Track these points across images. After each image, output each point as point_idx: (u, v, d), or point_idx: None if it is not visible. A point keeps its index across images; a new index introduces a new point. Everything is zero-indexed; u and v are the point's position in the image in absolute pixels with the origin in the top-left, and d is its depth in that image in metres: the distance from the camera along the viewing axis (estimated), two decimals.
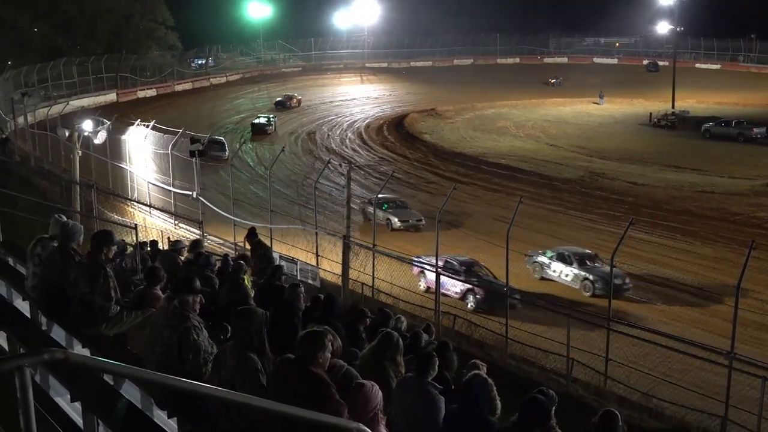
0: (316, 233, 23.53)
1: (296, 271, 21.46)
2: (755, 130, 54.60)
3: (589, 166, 44.50)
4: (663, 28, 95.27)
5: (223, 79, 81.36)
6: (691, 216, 33.16)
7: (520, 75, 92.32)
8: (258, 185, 37.85)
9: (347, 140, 53.35)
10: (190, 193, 27.19)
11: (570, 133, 57.81)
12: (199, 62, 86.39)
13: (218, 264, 12.33)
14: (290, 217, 28.06)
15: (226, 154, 42.76)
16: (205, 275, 9.86)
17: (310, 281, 21.11)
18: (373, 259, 20.85)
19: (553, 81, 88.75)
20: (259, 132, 53.75)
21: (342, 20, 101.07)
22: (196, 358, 6.42)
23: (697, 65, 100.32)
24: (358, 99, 74.33)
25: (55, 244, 8.07)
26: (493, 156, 47.24)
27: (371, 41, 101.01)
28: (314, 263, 22.78)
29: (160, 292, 8.03)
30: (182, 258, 12.60)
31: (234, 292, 10.45)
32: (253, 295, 10.88)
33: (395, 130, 57.20)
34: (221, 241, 24.87)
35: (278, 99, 68.20)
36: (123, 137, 32.53)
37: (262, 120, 55.92)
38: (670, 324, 19.87)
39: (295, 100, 68.41)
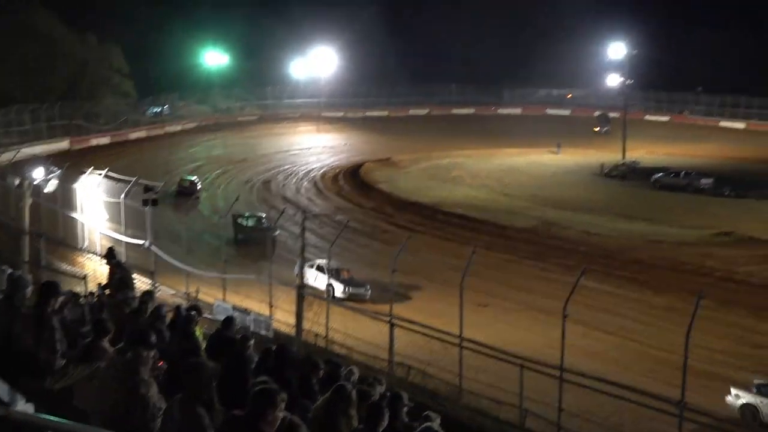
0: (270, 283, 23.40)
1: (249, 322, 21.27)
2: (703, 180, 56.04)
3: (542, 215, 45.06)
4: (613, 80, 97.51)
5: (179, 127, 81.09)
6: (643, 265, 33.68)
7: (474, 125, 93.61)
8: (212, 234, 37.55)
9: (303, 189, 53.37)
10: (143, 242, 26.90)
11: (524, 182, 58.56)
12: (155, 110, 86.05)
13: (169, 315, 12.19)
14: (245, 266, 27.89)
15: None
16: (155, 327, 9.74)
17: (263, 332, 20.93)
18: (327, 310, 20.78)
19: (596, 129, 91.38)
20: (185, 195, 47.76)
21: (299, 70, 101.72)
22: (144, 412, 6.33)
23: (647, 117, 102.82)
24: (314, 148, 74.47)
25: (1, 296, 7.94)
26: (448, 205, 47.58)
27: (328, 90, 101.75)
28: (268, 314, 22.62)
29: (107, 345, 7.91)
30: (131, 309, 12.42)
31: (184, 343, 10.34)
32: (204, 346, 10.78)
33: (351, 179, 57.36)
34: (173, 292, 24.58)
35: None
36: (75, 185, 32.15)
37: (186, 183, 49.33)
38: (622, 373, 20.04)
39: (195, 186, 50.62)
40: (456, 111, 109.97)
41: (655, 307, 26.98)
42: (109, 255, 14.84)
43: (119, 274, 14.03)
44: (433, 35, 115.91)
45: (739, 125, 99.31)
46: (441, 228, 40.84)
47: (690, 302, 15.22)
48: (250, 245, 34.11)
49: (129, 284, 14.09)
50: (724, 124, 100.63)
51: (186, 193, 48.48)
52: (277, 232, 31.13)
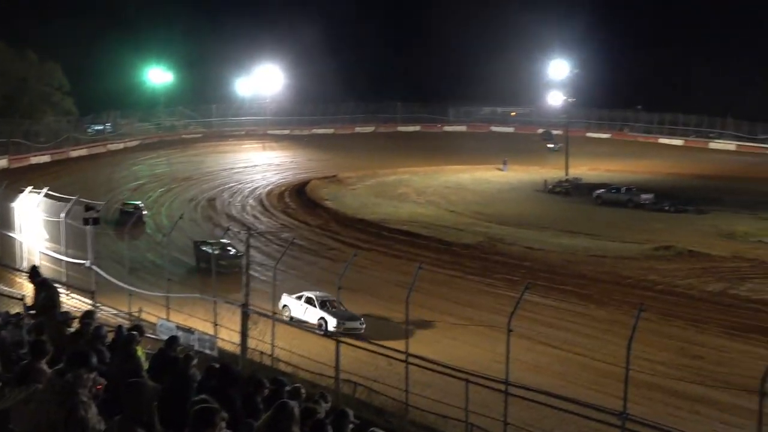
0: (215, 302, 23.17)
1: (193, 341, 21.01)
2: (643, 196, 57.22)
3: (487, 231, 45.48)
4: (556, 98, 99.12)
5: (122, 146, 79.91)
6: (586, 280, 34.18)
7: (420, 142, 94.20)
8: (155, 253, 37.05)
9: (248, 207, 53.01)
10: (84, 262, 26.41)
11: (469, 199, 59.07)
12: (97, 128, 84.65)
13: (110, 335, 11.98)
14: (188, 285, 27.57)
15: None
16: (95, 348, 9.57)
17: (207, 351, 20.67)
18: (273, 328, 20.65)
19: (550, 145, 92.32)
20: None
21: (244, 87, 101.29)
22: None
23: (588, 134, 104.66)
24: (259, 166, 74.06)
25: None
26: (394, 222, 47.73)
27: (273, 108, 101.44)
28: (212, 333, 22.37)
29: (45, 367, 7.72)
30: (71, 330, 12.19)
31: (126, 364, 10.16)
32: (147, 367, 10.62)
33: (297, 197, 57.18)
34: (115, 312, 24.16)
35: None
36: (13, 205, 31.43)
37: (130, 208, 46.41)
38: (566, 386, 20.29)
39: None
40: (402, 128, 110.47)
41: (598, 321, 27.39)
42: (33, 274, 14.03)
43: (45, 293, 13.26)
44: (380, 52, 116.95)
45: (677, 142, 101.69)
46: (387, 245, 40.94)
47: (632, 315, 15.50)
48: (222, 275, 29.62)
49: (56, 303, 13.34)
50: (663, 140, 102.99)
51: (129, 216, 46.37)
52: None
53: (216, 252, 29.88)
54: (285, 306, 28.26)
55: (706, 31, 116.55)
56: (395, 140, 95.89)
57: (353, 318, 27.14)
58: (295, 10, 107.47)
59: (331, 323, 26.77)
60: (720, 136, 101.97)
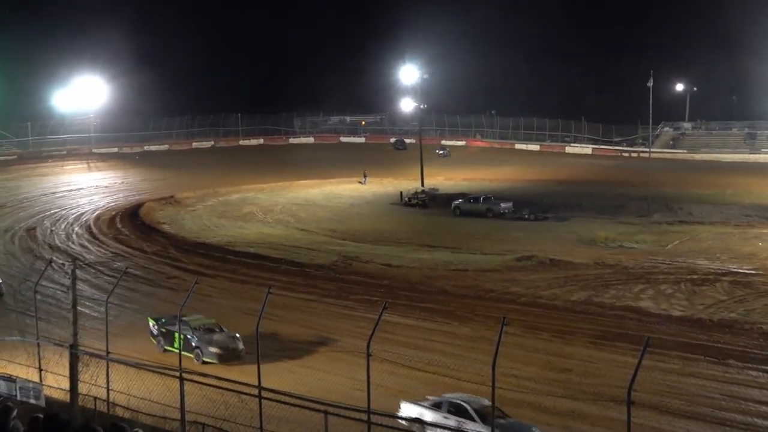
0: (38, 344, 22.06)
1: (15, 390, 19.87)
2: (502, 205, 59.10)
3: (342, 249, 45.67)
4: (407, 105, 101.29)
5: None
6: (448, 296, 34.85)
7: (264, 156, 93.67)
8: None
9: (74, 235, 51.00)
10: None
11: (320, 216, 59.23)
12: None
13: None
14: (4, 326, 26.16)
15: None
16: None
17: (32, 401, 19.57)
18: (107, 369, 19.87)
19: (441, 152, 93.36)
20: None
21: (63, 102, 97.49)
22: None
23: (443, 142, 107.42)
24: (85, 188, 71.80)
25: None
26: (240, 244, 47.19)
27: (98, 124, 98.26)
28: (37, 379, 21.26)
29: None
30: None
31: None
32: None
33: (130, 222, 55.61)
34: None
35: None
36: None
37: None
38: None
39: None
40: (244, 142, 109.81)
41: (462, 338, 27.93)
42: None
43: None
44: (214, 61, 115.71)
45: (534, 147, 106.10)
46: (234, 270, 40.36)
47: (496, 330, 15.87)
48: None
49: None
50: (520, 146, 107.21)
51: None
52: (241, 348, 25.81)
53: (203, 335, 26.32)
54: (415, 421, 19.71)
55: (557, 33, 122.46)
56: (237, 155, 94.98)
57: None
58: (114, 13, 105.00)
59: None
60: (576, 140, 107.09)
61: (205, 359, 25.22)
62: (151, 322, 27.62)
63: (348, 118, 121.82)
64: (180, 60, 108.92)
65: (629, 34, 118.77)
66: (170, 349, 25.95)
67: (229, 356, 25.31)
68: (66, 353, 19.99)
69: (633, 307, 32.21)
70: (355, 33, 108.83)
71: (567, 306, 32.62)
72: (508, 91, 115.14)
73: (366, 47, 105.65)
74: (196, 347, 25.62)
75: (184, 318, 23.79)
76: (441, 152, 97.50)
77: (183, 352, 22.88)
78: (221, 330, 26.74)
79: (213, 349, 25.40)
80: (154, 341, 27.29)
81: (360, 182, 76.90)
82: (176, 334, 24.73)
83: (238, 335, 26.08)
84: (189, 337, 25.70)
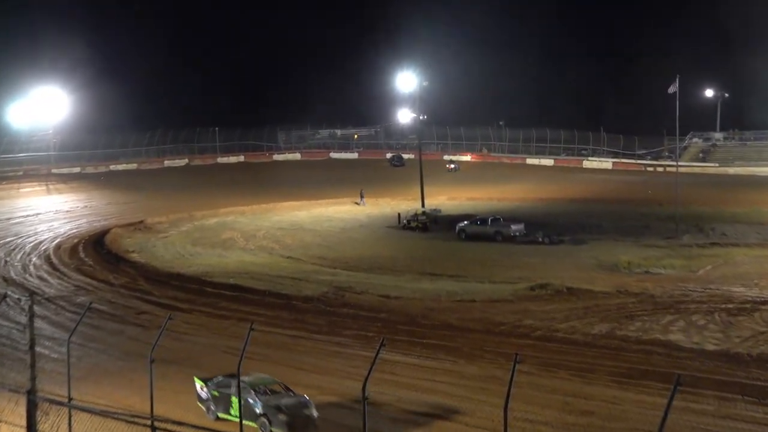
0: None
1: None
2: (513, 227, 59.13)
3: (333, 279, 45.58)
4: (405, 116, 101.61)
5: None
6: (453, 330, 34.72)
7: (245, 175, 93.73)
8: None
9: (32, 266, 50.91)
10: None
11: (309, 241, 59.23)
12: None
13: None
14: None
15: None
16: None
17: None
18: (69, 418, 19.75)
19: (452, 167, 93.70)
20: None
21: (19, 117, 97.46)
22: None
23: (446, 156, 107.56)
24: (44, 213, 71.77)
25: None
26: (219, 275, 47.07)
27: (58, 141, 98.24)
28: None
29: None
30: None
31: None
32: None
33: (94, 251, 55.56)
34: None
35: None
36: None
37: None
38: None
39: None
40: (222, 159, 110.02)
41: (470, 378, 27.78)
42: None
43: None
44: (191, 71, 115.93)
45: (548, 162, 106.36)
46: (212, 304, 40.25)
47: (508, 369, 15.79)
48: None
49: None
50: (532, 161, 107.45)
51: None
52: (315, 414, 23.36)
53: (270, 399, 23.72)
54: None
55: (570, 33, 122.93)
56: (215, 174, 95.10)
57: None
58: (75, 17, 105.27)
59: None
60: (594, 153, 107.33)
61: (273, 429, 22.64)
62: (199, 384, 25.02)
63: (339, 132, 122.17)
64: (150, 68, 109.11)
65: (652, 34, 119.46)
66: (225, 417, 23.77)
67: (300, 425, 22.78)
68: (23, 400, 19.91)
69: (661, 340, 32.10)
70: (347, 36, 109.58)
71: (587, 340, 32.51)
72: (517, 99, 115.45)
73: (359, 52, 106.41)
74: (262, 415, 22.84)
75: (243, 379, 21.86)
76: (452, 166, 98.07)
77: (244, 421, 21.48)
78: (289, 392, 24.22)
79: (282, 417, 22.72)
80: (203, 407, 24.71)
81: (356, 203, 76.98)
82: (234, 399, 22.72)
83: (308, 399, 23.79)
84: (251, 402, 23.11)
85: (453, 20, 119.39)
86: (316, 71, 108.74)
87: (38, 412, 19.60)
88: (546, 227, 60.02)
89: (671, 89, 61.48)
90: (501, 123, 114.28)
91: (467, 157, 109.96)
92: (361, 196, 77.67)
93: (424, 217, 66.66)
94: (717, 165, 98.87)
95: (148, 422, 19.72)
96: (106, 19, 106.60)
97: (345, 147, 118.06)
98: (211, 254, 54.74)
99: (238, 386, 21.25)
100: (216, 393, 24.14)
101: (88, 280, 47.13)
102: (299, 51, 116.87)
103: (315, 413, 23.07)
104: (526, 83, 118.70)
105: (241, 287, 43.84)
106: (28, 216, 70.27)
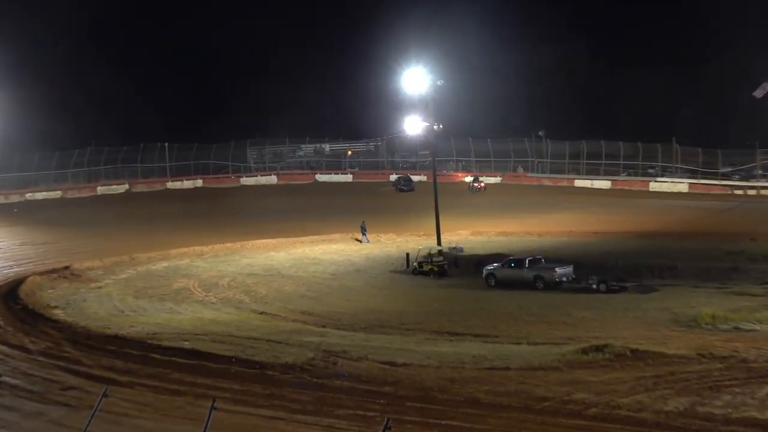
0: None
1: None
2: (558, 270, 58.93)
3: (321, 341, 45.38)
4: (414, 126, 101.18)
5: None
6: (480, 408, 34.51)
7: (204, 205, 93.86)
8: None
9: None
10: None
11: (289, 292, 59.09)
12: None
13: None
14: None
15: None
16: None
17: None
18: None
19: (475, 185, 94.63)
20: None
21: None
22: None
23: (467, 179, 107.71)
24: None
25: None
26: (170, 336, 46.91)
27: None
28: None
29: None
30: None
31: None
32: None
33: (5, 306, 55.50)
34: None
35: None
36: None
37: None
38: None
39: None
40: (173, 184, 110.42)
41: None
42: None
43: None
44: (132, 72, 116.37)
45: (603, 184, 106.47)
46: (160, 375, 40.05)
47: None
48: None
49: None
50: (582, 182, 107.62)
51: None
52: None
53: None
54: None
55: (627, 20, 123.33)
56: (164, 204, 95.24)
57: None
58: None
59: None
60: (664, 172, 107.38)
61: None
62: None
63: (327, 147, 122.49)
64: (78, 70, 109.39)
65: (735, 24, 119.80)
66: None
67: None
68: None
69: (758, 420, 31.88)
70: (337, 26, 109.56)
71: (659, 420, 32.30)
72: (561, 104, 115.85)
73: (353, 45, 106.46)
74: None
75: None
76: (475, 185, 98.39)
77: None
78: None
79: None
80: None
81: (357, 240, 77.08)
82: None
83: None
84: None
85: (475, 5, 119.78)
86: (298, 70, 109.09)
87: None
88: (602, 270, 59.83)
89: (759, 92, 61.56)
90: (540, 134, 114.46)
91: (496, 179, 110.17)
92: (363, 231, 77.61)
93: (440, 258, 66.53)
94: None
95: None
96: (24, 8, 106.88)
97: (335, 167, 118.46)
98: (159, 309, 54.57)
99: None
100: None
101: None
102: (276, 45, 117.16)
103: None
104: (573, 84, 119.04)
105: (200, 353, 43.62)
106: None
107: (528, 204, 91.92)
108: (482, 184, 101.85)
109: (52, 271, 65.70)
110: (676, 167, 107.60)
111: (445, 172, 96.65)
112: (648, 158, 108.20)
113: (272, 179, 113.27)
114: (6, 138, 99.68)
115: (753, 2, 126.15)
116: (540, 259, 61.46)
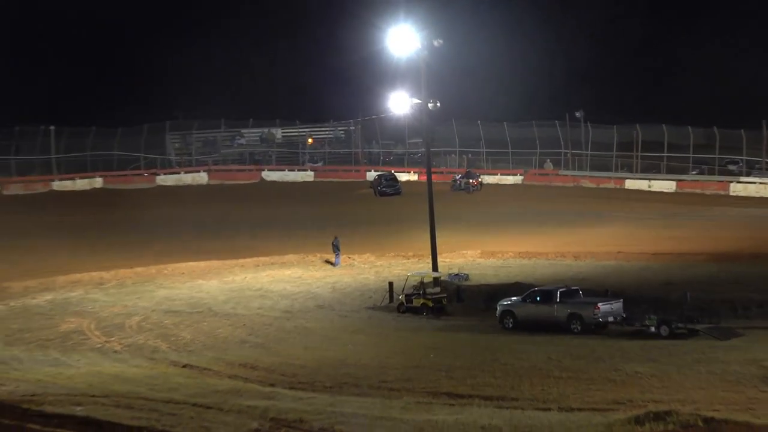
0: None
1: None
2: (602, 306, 58.69)
3: (269, 406, 45.19)
4: (400, 104, 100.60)
5: None
6: None
7: (106, 213, 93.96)
8: None
9: None
10: None
11: (225, 336, 58.96)
12: None
13: None
14: None
15: None
16: None
17: None
18: None
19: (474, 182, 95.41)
20: None
21: None
22: None
23: (488, 178, 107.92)
24: None
25: None
26: (56, 400, 46.71)
27: None
28: None
29: None
30: None
31: None
32: None
33: None
34: None
35: None
36: None
37: None
38: None
39: None
40: (61, 184, 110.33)
41: None
42: None
43: None
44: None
45: (666, 185, 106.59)
46: None
47: None
48: None
49: None
50: (634, 183, 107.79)
51: None
52: None
53: None
54: None
55: None
56: (49, 211, 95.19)
57: None
58: None
59: None
60: (751, 170, 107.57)
61: None
62: None
63: (279, 132, 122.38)
64: None
65: None
66: None
67: None
68: None
69: None
70: None
71: None
72: (606, 74, 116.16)
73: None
74: None
75: None
76: (471, 181, 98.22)
77: None
78: None
79: None
80: None
81: (329, 263, 77.20)
82: None
83: None
84: None
85: None
86: (237, 26, 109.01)
87: None
88: (664, 307, 59.75)
89: None
90: (578, 115, 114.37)
91: (516, 177, 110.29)
92: (336, 250, 77.62)
93: (437, 290, 66.31)
94: None
95: None
96: None
97: (290, 161, 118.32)
98: (41, 361, 54.32)
99: None
100: None
101: None
102: None
103: None
104: (623, 46, 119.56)
105: (98, 422, 43.37)
106: None
107: (560, 213, 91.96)
108: (478, 180, 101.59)
109: None
110: (766, 162, 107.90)
111: (443, 168, 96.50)
112: (728, 150, 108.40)
113: (201, 177, 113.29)
114: None
115: None
116: (577, 290, 61.22)
